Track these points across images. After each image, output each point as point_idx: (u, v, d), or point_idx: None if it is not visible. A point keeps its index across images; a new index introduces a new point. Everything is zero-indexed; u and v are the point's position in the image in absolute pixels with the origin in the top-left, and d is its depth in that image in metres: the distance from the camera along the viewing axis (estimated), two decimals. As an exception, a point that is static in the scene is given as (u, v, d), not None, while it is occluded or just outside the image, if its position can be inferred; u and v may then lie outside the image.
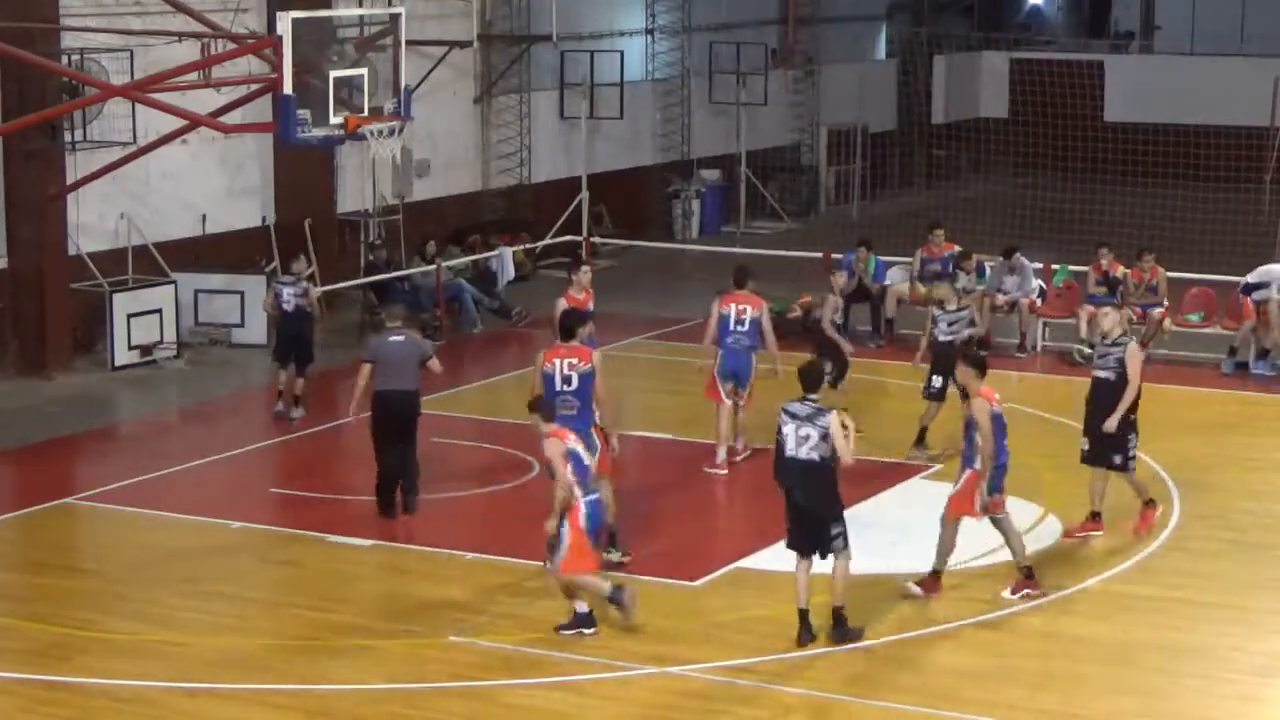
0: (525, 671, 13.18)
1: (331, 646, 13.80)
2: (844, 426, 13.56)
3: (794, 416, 13.51)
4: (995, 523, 14.76)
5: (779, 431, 13.57)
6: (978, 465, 14.47)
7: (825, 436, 13.39)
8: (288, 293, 20.73)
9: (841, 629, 13.70)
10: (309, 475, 18.46)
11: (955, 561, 15.49)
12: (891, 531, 16.60)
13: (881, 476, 18.46)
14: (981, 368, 14.77)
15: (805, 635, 13.58)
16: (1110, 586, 15.14)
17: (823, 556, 13.62)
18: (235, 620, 14.31)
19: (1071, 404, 21.35)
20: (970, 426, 14.51)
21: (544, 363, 15.17)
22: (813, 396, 13.55)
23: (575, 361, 15.19)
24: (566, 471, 13.74)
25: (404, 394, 16.76)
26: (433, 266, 25.45)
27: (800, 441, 13.46)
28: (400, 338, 17.09)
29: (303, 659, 13.53)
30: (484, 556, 15.76)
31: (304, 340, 20.74)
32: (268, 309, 21.51)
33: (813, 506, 13.56)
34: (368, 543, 16.09)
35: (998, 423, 14.48)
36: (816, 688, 12.93)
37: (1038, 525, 16.30)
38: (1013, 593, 14.80)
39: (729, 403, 18.25)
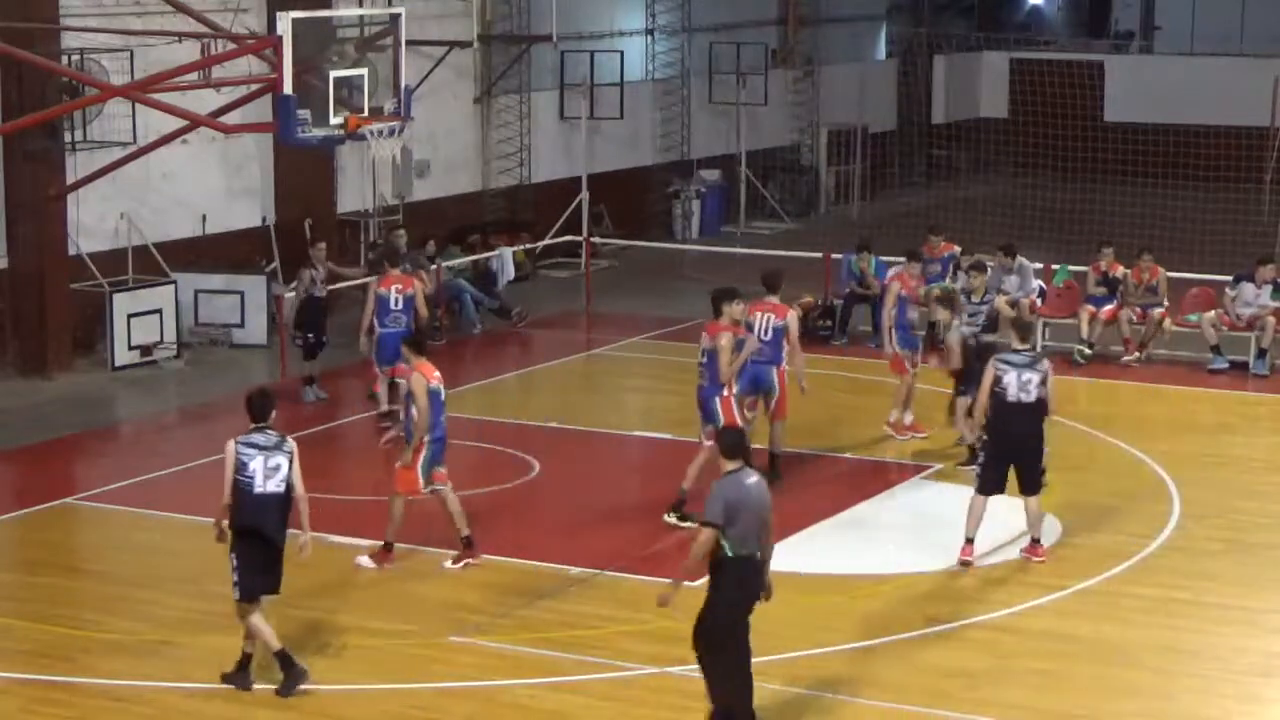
0: (525, 671, 13.19)
1: (331, 646, 13.81)
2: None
3: (260, 448, 12.75)
4: (435, 493, 15.34)
5: (243, 469, 12.65)
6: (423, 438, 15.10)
7: (292, 463, 12.80)
8: (319, 278, 21.63)
9: (294, 673, 12.83)
10: (309, 475, 18.31)
11: (954, 561, 15.52)
12: (891, 531, 16.62)
13: (881, 477, 18.48)
14: (419, 347, 15.54)
15: (292, 681, 12.76)
16: (1110, 586, 15.14)
17: (267, 593, 12.93)
18: (235, 620, 14.27)
19: (1072, 404, 21.42)
20: (409, 401, 15.15)
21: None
22: (269, 426, 12.86)
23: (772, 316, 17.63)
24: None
25: None
26: (433, 266, 25.45)
27: (270, 473, 12.69)
28: None
29: (302, 659, 13.52)
30: (484, 556, 15.75)
31: (323, 325, 21.59)
32: (301, 295, 21.62)
33: (281, 541, 12.85)
34: (368, 543, 16.09)
35: (435, 398, 15.08)
36: (817, 688, 12.93)
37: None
38: (455, 563, 15.37)
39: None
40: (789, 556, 15.78)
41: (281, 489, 12.79)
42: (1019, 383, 15.24)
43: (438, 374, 15.48)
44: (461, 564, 15.45)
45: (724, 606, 11.67)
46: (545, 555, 15.71)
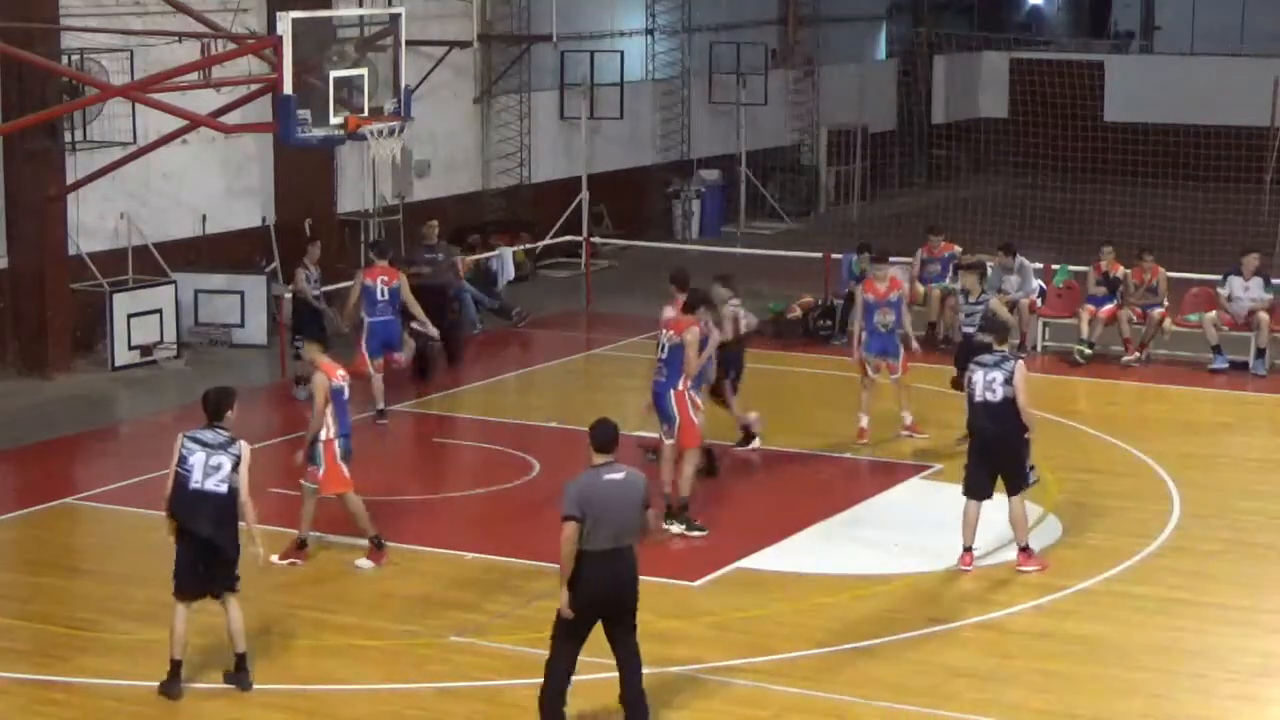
0: (525, 671, 13.18)
1: (331, 646, 13.81)
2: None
3: (204, 444, 12.61)
4: (303, 487, 15.51)
5: (183, 463, 12.58)
6: (330, 434, 15.20)
7: (236, 467, 12.62)
8: (313, 277, 21.94)
9: (242, 674, 12.87)
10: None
11: (954, 562, 15.51)
12: (891, 531, 16.61)
13: (881, 476, 18.47)
14: (323, 345, 15.68)
15: (174, 687, 12.70)
16: (1110, 586, 15.14)
17: (216, 596, 12.82)
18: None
19: (1072, 404, 21.45)
20: (311, 398, 15.36)
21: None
22: (222, 425, 12.74)
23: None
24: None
25: None
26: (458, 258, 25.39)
27: (210, 472, 12.55)
28: None
29: (303, 659, 13.54)
30: (484, 556, 15.76)
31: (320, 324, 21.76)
32: (299, 293, 21.82)
33: (218, 542, 12.66)
34: (367, 543, 16.09)
35: (338, 397, 15.21)
36: (816, 688, 12.93)
37: (1038, 525, 16.26)
38: (281, 559, 15.46)
39: None
40: (789, 556, 15.86)
41: (221, 489, 12.61)
42: (984, 382, 15.25)
43: (342, 372, 15.57)
44: (287, 561, 15.52)
45: (573, 600, 11.73)
46: (545, 555, 15.63)
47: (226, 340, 24.27)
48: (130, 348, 23.04)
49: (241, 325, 24.38)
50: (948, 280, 24.32)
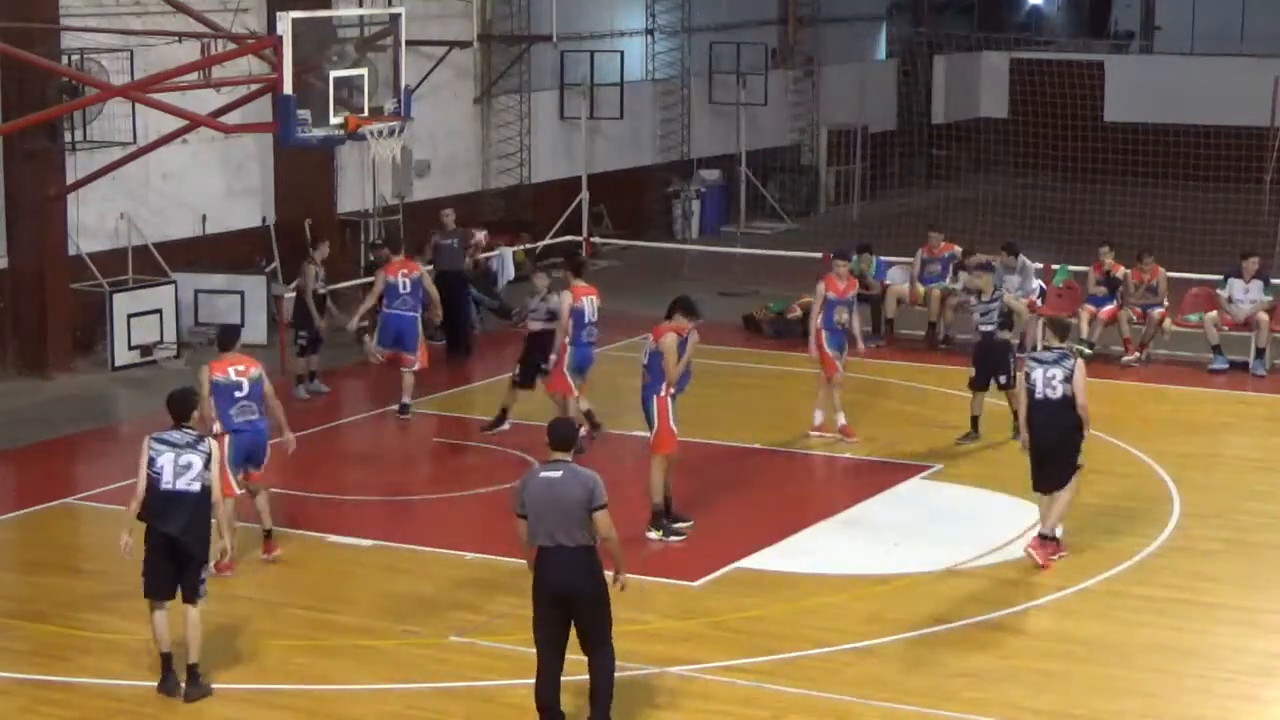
0: (525, 671, 13.15)
1: (331, 646, 13.81)
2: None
3: (172, 445, 12.65)
4: (249, 491, 15.42)
5: (152, 464, 12.60)
6: (218, 429, 15.02)
7: (208, 464, 12.65)
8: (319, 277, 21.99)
9: (194, 684, 12.70)
10: (309, 475, 18.44)
11: (957, 561, 15.52)
12: (891, 531, 16.61)
13: (881, 477, 18.47)
14: (223, 343, 15.47)
15: (173, 682, 12.67)
16: (1110, 586, 15.14)
17: (188, 600, 12.66)
18: (235, 620, 14.29)
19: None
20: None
21: None
22: (188, 425, 12.83)
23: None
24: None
25: None
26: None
27: (181, 471, 12.57)
28: None
29: (303, 659, 13.53)
30: (484, 556, 15.75)
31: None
32: (302, 290, 21.89)
33: (189, 542, 12.58)
34: (367, 543, 16.10)
35: (223, 391, 15.07)
36: (816, 688, 12.93)
37: (1037, 525, 16.25)
38: (266, 554, 15.56)
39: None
40: (789, 556, 15.86)
41: (195, 488, 12.62)
42: (1044, 379, 15.40)
43: (240, 369, 15.20)
44: (273, 555, 15.57)
45: (533, 593, 11.89)
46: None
47: (226, 340, 24.25)
48: (130, 348, 23.03)
49: (241, 325, 24.32)
50: (948, 280, 24.32)
